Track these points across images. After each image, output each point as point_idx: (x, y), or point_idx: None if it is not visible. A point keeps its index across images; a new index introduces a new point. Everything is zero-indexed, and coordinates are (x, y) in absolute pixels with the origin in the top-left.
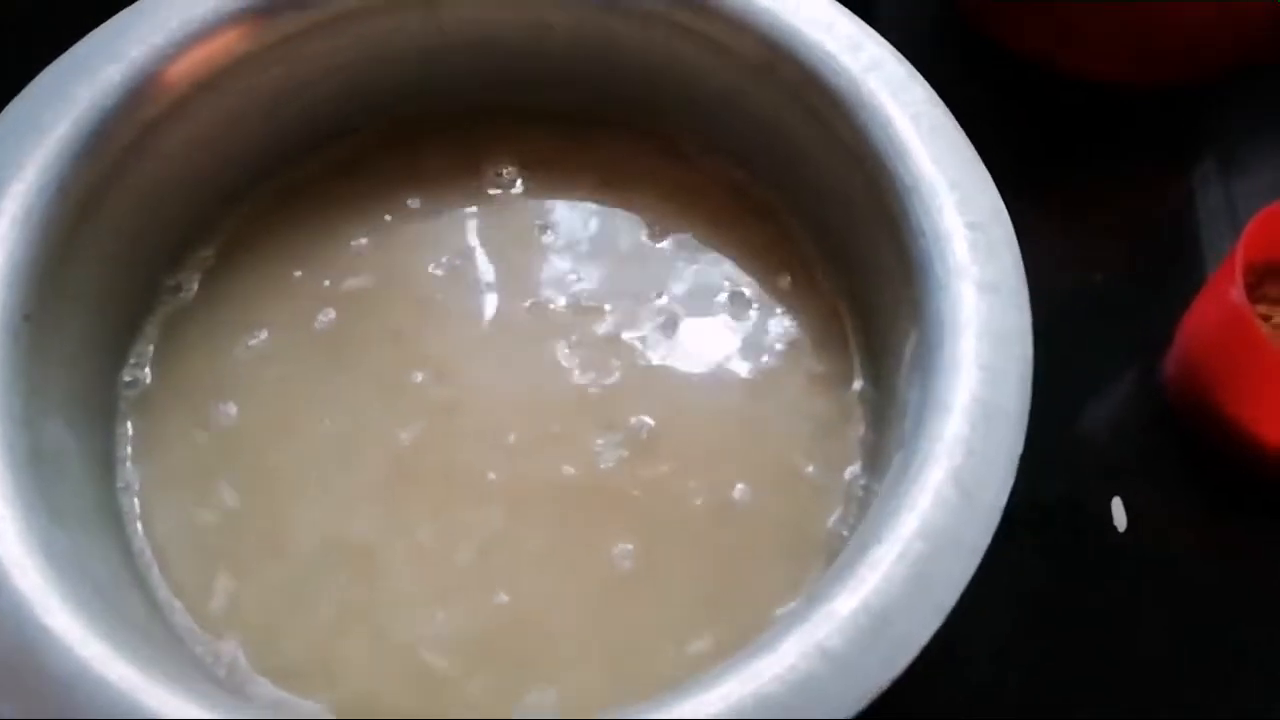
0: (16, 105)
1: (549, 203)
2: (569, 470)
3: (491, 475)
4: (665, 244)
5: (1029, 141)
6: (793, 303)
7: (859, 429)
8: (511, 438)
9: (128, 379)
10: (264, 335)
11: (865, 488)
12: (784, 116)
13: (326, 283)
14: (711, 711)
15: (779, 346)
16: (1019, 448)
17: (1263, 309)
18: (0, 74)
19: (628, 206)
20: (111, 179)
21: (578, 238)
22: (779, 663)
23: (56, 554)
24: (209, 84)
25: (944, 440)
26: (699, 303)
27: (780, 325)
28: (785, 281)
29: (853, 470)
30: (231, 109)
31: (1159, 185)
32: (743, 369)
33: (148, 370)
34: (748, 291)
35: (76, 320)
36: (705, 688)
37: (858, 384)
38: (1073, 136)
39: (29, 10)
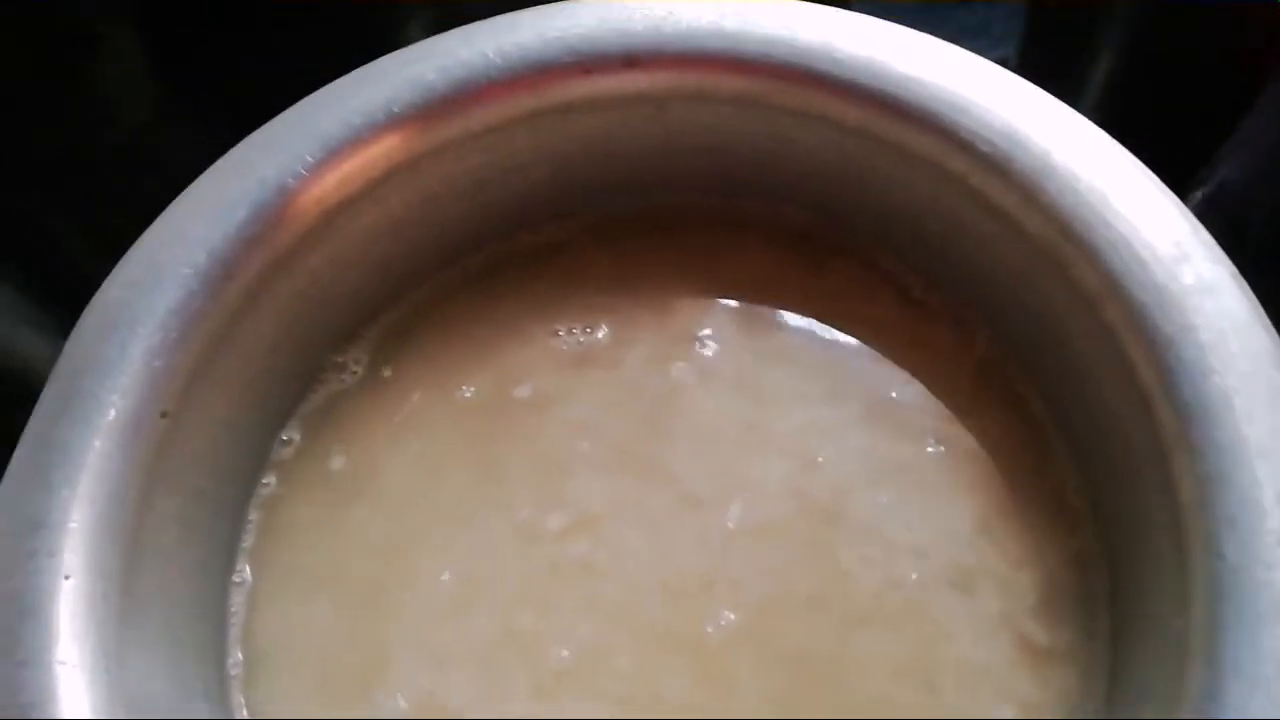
0: (201, 184)
1: (759, 331)
2: (692, 680)
3: (610, 669)
4: (886, 414)
5: None
6: (1032, 537)
7: None
8: (652, 631)
9: (265, 481)
10: (413, 445)
11: None
12: (1061, 310)
13: (489, 390)
14: None
15: (994, 594)
16: None
17: None
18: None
19: (843, 354)
20: (282, 265)
21: (777, 384)
22: None
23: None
24: (408, 166)
25: None
26: (902, 497)
27: (1006, 563)
28: (1028, 507)
29: None
30: (427, 191)
31: None
32: (941, 616)
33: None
34: (977, 507)
35: (217, 412)
36: None
37: (1086, 667)
38: None
39: (244, 77)
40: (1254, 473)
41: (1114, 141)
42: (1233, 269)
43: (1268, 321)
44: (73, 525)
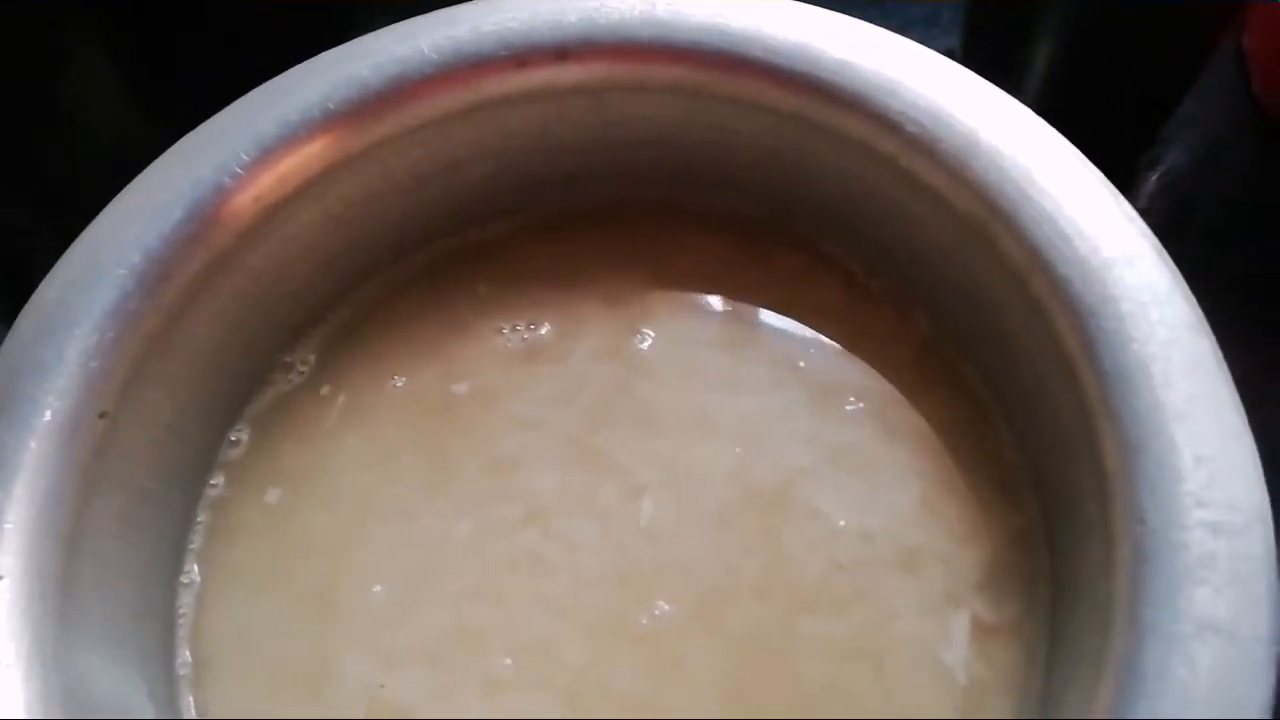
0: (137, 184)
1: (705, 321)
2: (643, 671)
3: (562, 660)
4: (831, 397)
5: None
6: (977, 514)
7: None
8: (601, 623)
9: (213, 482)
10: (361, 444)
11: None
12: (993, 287)
13: (436, 388)
14: None
15: (940, 573)
16: None
17: None
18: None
19: (788, 340)
20: (222, 265)
21: (723, 372)
22: None
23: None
24: (346, 164)
25: None
26: (848, 479)
27: (952, 541)
28: (973, 485)
29: None
30: (367, 189)
31: None
32: (888, 596)
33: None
34: (921, 487)
35: (160, 413)
36: None
37: (1029, 640)
38: None
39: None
40: (1171, 437)
41: (1039, 119)
42: (1155, 241)
43: (1188, 291)
44: (8, 526)
